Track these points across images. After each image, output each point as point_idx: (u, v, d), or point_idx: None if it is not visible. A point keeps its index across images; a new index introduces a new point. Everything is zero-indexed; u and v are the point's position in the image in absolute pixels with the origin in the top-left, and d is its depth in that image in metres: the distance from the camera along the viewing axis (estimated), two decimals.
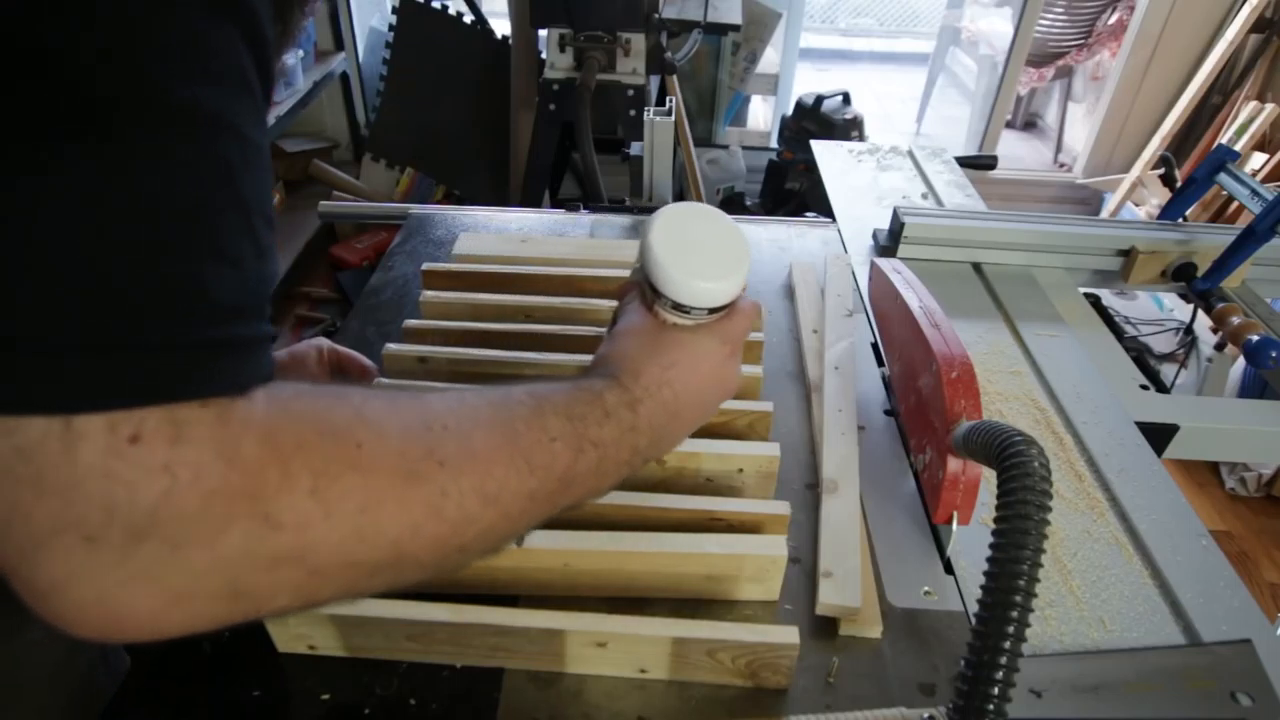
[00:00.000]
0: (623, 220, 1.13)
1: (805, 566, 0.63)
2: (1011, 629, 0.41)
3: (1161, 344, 2.36)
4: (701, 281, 0.47)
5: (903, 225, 1.03)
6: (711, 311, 0.48)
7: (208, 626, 0.31)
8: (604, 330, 0.80)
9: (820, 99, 2.55)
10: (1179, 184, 1.10)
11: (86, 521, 0.26)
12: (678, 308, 0.48)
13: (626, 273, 0.91)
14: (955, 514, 0.64)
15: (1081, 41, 3.29)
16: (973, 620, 0.44)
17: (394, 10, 2.34)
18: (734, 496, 0.65)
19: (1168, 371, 2.19)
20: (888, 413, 0.80)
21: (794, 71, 3.05)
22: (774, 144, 2.92)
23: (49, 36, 0.25)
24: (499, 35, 2.33)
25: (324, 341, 0.71)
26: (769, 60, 2.85)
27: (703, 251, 0.48)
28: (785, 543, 0.58)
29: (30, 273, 0.26)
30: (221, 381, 0.29)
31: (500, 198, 2.40)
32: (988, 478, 0.66)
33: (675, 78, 1.91)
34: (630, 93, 1.70)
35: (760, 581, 0.59)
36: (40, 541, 0.27)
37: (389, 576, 0.35)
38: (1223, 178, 1.02)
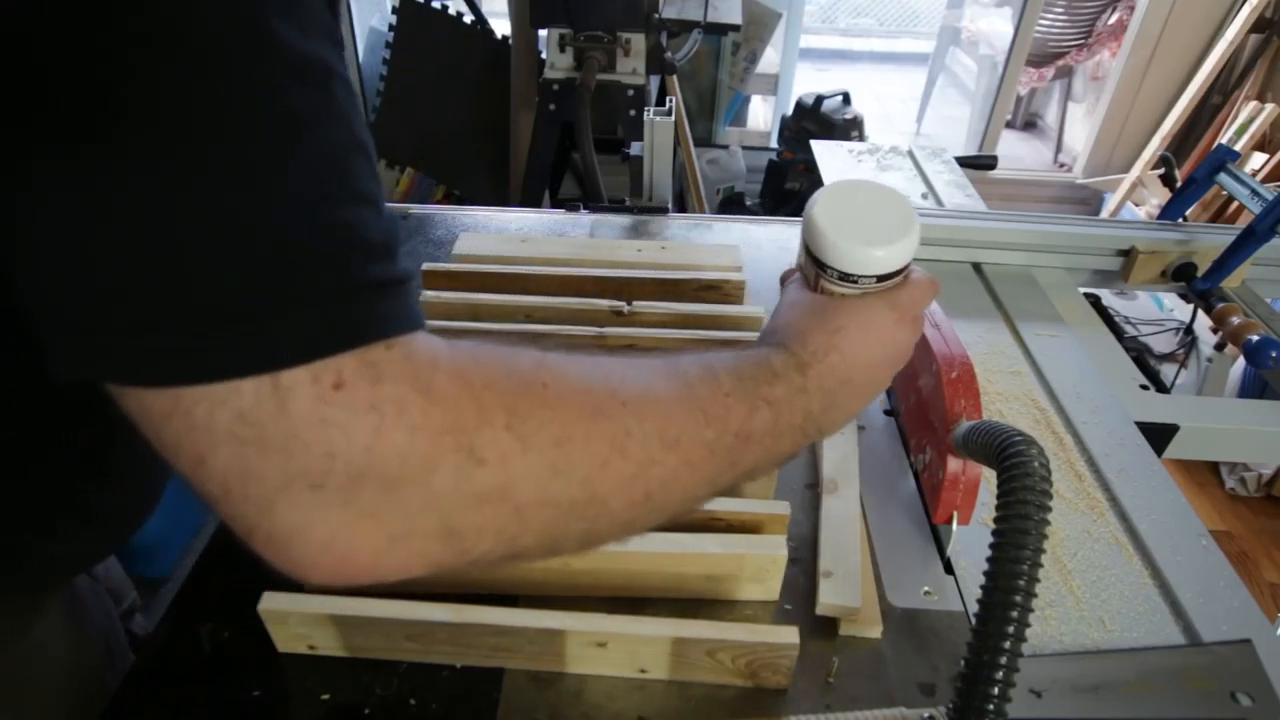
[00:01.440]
0: (623, 220, 1.13)
1: (805, 566, 0.63)
2: (1011, 629, 0.41)
3: (1161, 344, 2.36)
4: (866, 248, 0.46)
5: None
6: (880, 280, 0.47)
7: (424, 569, 0.32)
8: (602, 330, 0.80)
9: (820, 99, 2.55)
10: (1179, 184, 1.10)
11: (310, 470, 0.28)
12: (844, 278, 0.47)
13: (626, 273, 0.90)
14: (955, 514, 0.64)
15: (1081, 41, 3.29)
16: (973, 620, 0.44)
17: (394, 10, 2.34)
18: (733, 496, 0.65)
19: (1168, 371, 2.19)
20: (888, 413, 0.80)
21: (794, 71, 3.04)
22: (774, 144, 2.92)
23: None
24: (499, 35, 2.33)
25: None
26: (769, 60, 2.85)
27: (867, 220, 0.47)
28: (785, 543, 0.58)
29: (216, 242, 0.27)
30: (397, 320, 0.30)
31: (500, 198, 2.40)
32: (988, 478, 0.66)
33: (675, 78, 1.91)
34: (630, 93, 1.70)
35: (760, 582, 0.59)
36: (273, 497, 0.28)
37: (585, 524, 0.35)
38: (1223, 178, 1.02)
